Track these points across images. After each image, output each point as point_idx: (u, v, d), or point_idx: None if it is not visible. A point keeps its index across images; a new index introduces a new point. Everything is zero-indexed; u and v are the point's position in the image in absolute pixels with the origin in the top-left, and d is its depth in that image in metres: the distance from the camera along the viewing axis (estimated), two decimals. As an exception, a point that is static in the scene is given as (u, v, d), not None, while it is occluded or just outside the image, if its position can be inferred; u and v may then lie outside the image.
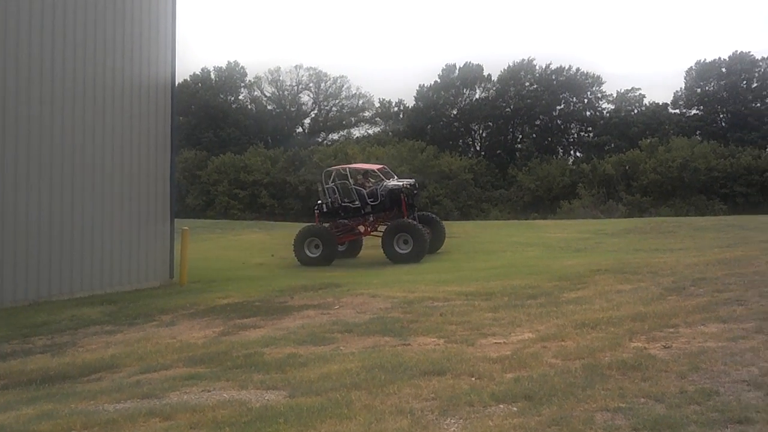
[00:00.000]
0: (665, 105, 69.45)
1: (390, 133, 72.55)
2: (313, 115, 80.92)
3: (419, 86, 73.78)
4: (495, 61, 73.47)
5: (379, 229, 23.00)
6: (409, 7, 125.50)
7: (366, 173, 24.89)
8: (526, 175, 61.31)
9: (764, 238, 20.27)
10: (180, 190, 46.57)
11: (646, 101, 70.30)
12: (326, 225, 22.88)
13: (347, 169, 24.08)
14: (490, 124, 73.47)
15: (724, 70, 66.97)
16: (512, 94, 71.44)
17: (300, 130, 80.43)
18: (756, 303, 9.41)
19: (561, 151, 73.15)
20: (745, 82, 66.64)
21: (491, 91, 72.65)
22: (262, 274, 19.96)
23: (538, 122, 72.62)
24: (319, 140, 76.05)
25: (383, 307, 11.59)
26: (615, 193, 54.92)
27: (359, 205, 22.59)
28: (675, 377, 6.06)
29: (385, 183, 23.00)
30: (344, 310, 11.63)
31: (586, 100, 72.20)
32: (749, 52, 66.73)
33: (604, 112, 71.42)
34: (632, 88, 71.26)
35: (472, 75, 72.52)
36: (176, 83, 19.22)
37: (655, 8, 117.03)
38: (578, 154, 71.07)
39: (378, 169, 24.56)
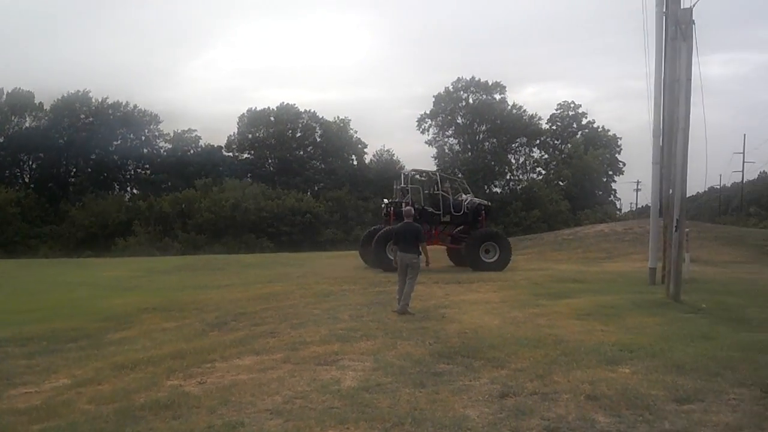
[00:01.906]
0: (220, 147, 72.65)
1: None
2: None
3: (-47, 110, 65.20)
4: (48, 90, 68.42)
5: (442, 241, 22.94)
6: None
7: (452, 182, 24.42)
8: (81, 210, 58.36)
9: (300, 274, 22.33)
10: None
11: (202, 143, 72.73)
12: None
13: (437, 174, 23.23)
14: (42, 155, 68.02)
15: (272, 119, 72.82)
16: (66, 125, 67.34)
17: None
18: (287, 334, 10.32)
19: (117, 187, 71.38)
20: (290, 131, 73.29)
21: (43, 120, 67.52)
22: None
23: (94, 156, 69.64)
24: None
25: None
26: (171, 230, 55.39)
27: (439, 213, 21.59)
28: (205, 412, 6.28)
29: (469, 197, 22.58)
30: None
31: (143, 137, 71.66)
32: (294, 104, 73.97)
33: (162, 150, 71.82)
34: (189, 129, 73.25)
35: (21, 102, 66.50)
36: None
37: (209, 55, 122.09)
38: (135, 190, 70.09)
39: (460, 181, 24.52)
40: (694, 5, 13.49)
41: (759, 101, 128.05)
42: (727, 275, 19.31)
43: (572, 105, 76.94)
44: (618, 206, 77.93)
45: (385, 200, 23.62)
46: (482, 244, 21.35)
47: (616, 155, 74.81)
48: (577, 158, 67.03)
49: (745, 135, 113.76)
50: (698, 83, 13.66)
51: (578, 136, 73.55)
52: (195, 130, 73.43)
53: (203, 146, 72.13)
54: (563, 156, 72.07)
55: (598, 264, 24.35)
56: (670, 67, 14.22)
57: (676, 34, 13.48)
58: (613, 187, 77.12)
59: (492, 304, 13.13)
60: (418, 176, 24.94)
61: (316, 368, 7.91)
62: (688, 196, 15.06)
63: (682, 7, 13.58)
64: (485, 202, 23.79)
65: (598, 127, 76.08)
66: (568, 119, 76.58)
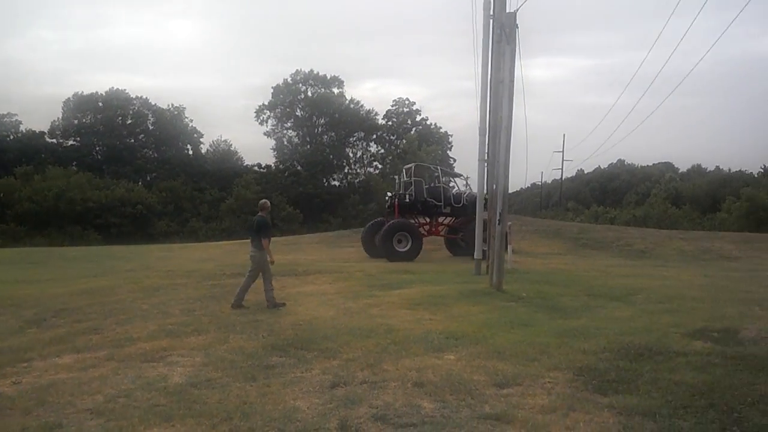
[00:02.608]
0: (42, 133, 68.04)
1: None
2: None
3: None
4: None
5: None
6: None
7: (452, 176, 25.90)
8: None
9: (130, 267, 21.42)
10: None
11: (22, 128, 67.85)
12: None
13: (439, 169, 24.58)
14: None
15: (101, 104, 69.04)
16: None
17: None
18: (112, 331, 9.91)
19: (-75, 174, 65.06)
20: (120, 117, 69.77)
21: None
22: None
23: None
24: None
25: None
26: (-10, 221, 51.21)
27: (440, 204, 22.83)
28: (20, 414, 5.92)
29: (468, 191, 23.51)
30: None
31: (-45, 120, 65.78)
32: (125, 89, 70.52)
33: (-25, 135, 66.31)
34: (8, 113, 68.06)
35: None
36: None
37: (32, 34, 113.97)
38: (-55, 178, 64.24)
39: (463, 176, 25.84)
40: (517, 10, 14.30)
41: (577, 103, 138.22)
42: (545, 266, 20.63)
43: (407, 102, 78.81)
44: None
45: (389, 193, 24.77)
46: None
47: (448, 152, 77.31)
48: (412, 154, 68.66)
49: (564, 135, 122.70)
50: (521, 85, 14.52)
51: (412, 133, 75.30)
52: (15, 114, 68.46)
53: (24, 132, 67.24)
54: (398, 151, 73.64)
55: (430, 255, 25.21)
56: (495, 68, 14.96)
57: (500, 37, 14.20)
58: (445, 182, 79.93)
59: (327, 295, 13.29)
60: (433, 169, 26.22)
61: (141, 365, 7.67)
62: (511, 191, 15.96)
63: (507, 12, 14.34)
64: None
65: (431, 124, 78.33)
66: (403, 115, 78.35)
